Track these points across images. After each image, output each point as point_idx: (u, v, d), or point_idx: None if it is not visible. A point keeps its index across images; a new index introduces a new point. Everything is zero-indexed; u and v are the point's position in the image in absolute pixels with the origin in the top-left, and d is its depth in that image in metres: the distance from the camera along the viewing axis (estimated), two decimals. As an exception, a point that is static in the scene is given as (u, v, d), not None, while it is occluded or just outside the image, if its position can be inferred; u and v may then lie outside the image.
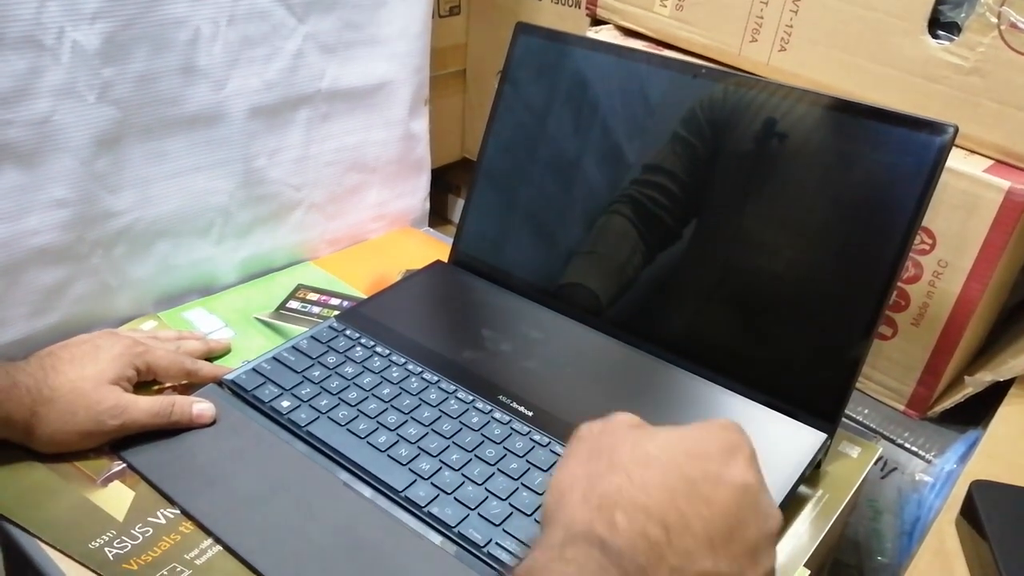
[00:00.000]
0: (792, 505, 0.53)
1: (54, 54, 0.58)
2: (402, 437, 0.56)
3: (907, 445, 0.66)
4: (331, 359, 0.63)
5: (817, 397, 0.57)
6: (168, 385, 0.61)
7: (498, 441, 0.56)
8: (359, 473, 0.54)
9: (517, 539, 0.49)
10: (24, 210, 0.61)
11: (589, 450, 0.38)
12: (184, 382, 0.61)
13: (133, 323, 0.70)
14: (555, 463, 0.54)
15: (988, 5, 0.58)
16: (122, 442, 0.55)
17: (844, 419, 0.58)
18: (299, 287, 0.77)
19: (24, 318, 0.63)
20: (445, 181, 1.17)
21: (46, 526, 0.50)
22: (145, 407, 0.55)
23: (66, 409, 0.53)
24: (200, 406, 0.57)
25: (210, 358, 0.65)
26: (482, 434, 0.56)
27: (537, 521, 0.50)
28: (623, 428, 0.39)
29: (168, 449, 0.55)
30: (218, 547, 0.49)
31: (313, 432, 0.56)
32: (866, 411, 0.69)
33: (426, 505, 0.51)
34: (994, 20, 0.58)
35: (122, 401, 0.55)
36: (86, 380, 0.54)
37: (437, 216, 1.16)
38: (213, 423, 0.57)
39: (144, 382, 0.59)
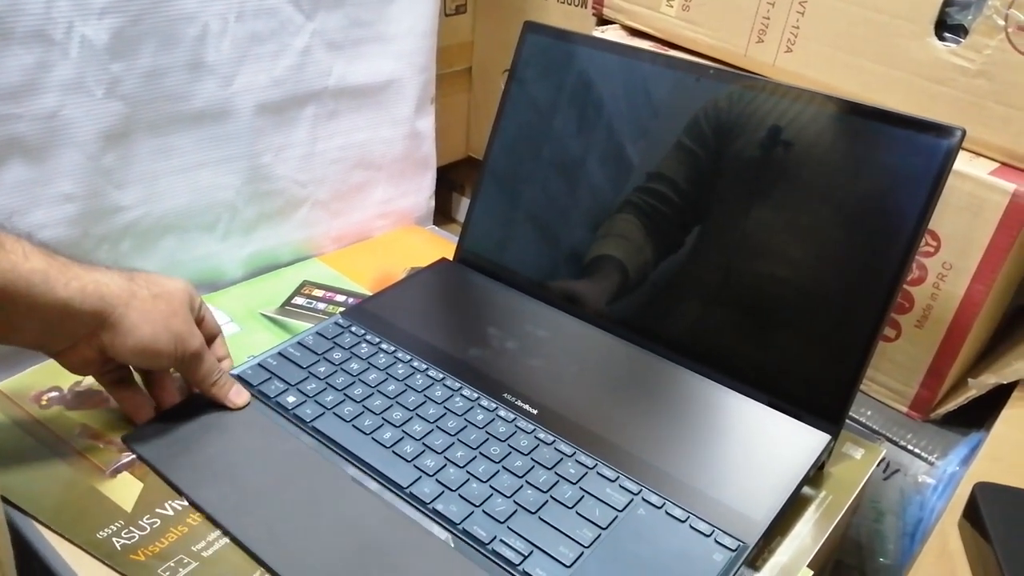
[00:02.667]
0: (796, 506, 0.53)
1: (63, 49, 0.58)
2: (407, 434, 0.56)
3: (910, 447, 0.66)
4: (336, 355, 0.63)
5: (821, 398, 0.57)
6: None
7: (503, 439, 0.56)
8: (365, 469, 0.54)
9: (521, 536, 0.49)
10: (31, 204, 0.61)
11: None
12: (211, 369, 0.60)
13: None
14: (560, 460, 0.54)
15: (995, 7, 0.58)
16: (131, 434, 0.56)
17: (848, 420, 0.58)
18: (304, 283, 0.77)
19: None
20: (449, 180, 1.17)
21: (54, 515, 0.50)
22: (208, 356, 0.56)
23: (165, 312, 0.52)
24: (239, 392, 0.58)
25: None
26: (487, 432, 0.56)
27: (542, 519, 0.50)
28: None
29: (177, 441, 0.55)
30: (225, 539, 0.49)
31: (319, 428, 0.56)
32: (869, 413, 0.69)
33: (431, 501, 0.51)
34: (1001, 23, 0.58)
35: (201, 336, 0.56)
36: (175, 297, 0.54)
37: (441, 215, 1.16)
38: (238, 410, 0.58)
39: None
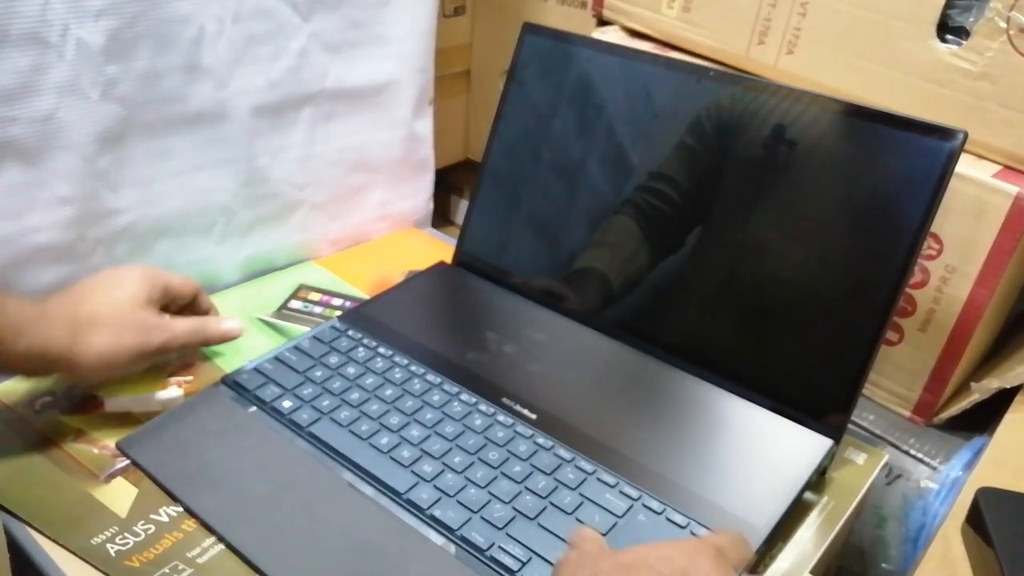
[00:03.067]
0: (797, 511, 0.53)
1: (58, 51, 0.58)
2: (404, 439, 0.56)
3: (913, 452, 0.65)
4: (333, 360, 0.62)
5: (823, 403, 0.56)
6: (167, 373, 0.62)
7: (501, 444, 0.55)
8: (362, 475, 0.53)
9: (519, 542, 0.49)
10: (26, 207, 0.60)
11: (573, 569, 0.42)
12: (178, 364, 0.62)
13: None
14: (559, 466, 0.54)
15: (997, 10, 0.58)
16: (126, 439, 0.55)
17: (850, 425, 0.57)
18: (301, 287, 0.76)
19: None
20: (448, 182, 1.17)
21: (49, 521, 0.50)
22: (183, 325, 0.58)
23: (113, 330, 0.54)
24: (229, 323, 0.61)
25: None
26: (485, 437, 0.56)
27: (541, 525, 0.50)
28: (597, 550, 0.44)
29: (172, 447, 0.55)
30: (220, 546, 0.49)
31: (315, 433, 0.56)
32: (872, 417, 0.68)
33: (429, 508, 0.51)
34: (1003, 25, 0.58)
35: (164, 320, 0.57)
36: (122, 303, 0.55)
37: (440, 217, 1.16)
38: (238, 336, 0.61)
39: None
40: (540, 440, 0.56)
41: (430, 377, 0.61)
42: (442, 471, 0.53)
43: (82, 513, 0.50)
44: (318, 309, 0.73)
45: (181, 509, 0.51)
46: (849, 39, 0.66)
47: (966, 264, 0.62)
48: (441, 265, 0.75)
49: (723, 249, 0.62)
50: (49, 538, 0.49)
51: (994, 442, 0.60)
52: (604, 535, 0.49)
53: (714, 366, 0.61)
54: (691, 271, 0.63)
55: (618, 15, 0.82)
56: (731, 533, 0.46)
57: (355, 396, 0.59)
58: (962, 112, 0.61)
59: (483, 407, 0.58)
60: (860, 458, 0.58)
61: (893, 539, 0.65)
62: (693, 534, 0.49)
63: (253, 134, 0.72)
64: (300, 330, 0.69)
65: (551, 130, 0.70)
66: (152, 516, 0.50)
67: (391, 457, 0.54)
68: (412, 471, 0.53)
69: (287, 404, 0.58)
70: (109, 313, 0.54)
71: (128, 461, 0.54)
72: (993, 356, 0.71)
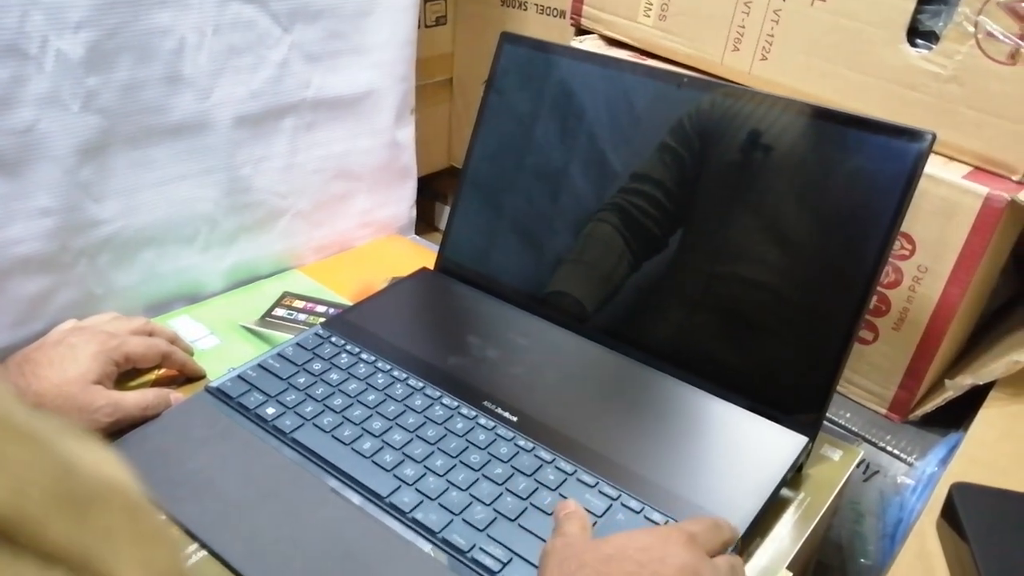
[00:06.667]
0: (774, 508, 0.54)
1: (38, 63, 0.58)
2: (387, 443, 0.56)
3: (889, 448, 0.66)
4: (316, 366, 0.63)
5: (798, 401, 0.57)
6: (154, 377, 0.62)
7: (482, 447, 0.56)
8: (344, 479, 0.54)
9: (501, 544, 0.49)
10: (7, 219, 0.61)
11: (560, 560, 0.44)
12: (162, 371, 0.63)
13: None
14: (539, 467, 0.54)
15: (965, 14, 0.59)
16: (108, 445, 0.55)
17: (826, 422, 0.58)
18: (285, 295, 0.77)
19: (8, 327, 0.63)
20: (432, 189, 1.18)
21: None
22: (134, 400, 0.57)
23: (57, 414, 0.53)
24: (178, 396, 0.60)
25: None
26: (467, 440, 0.56)
27: (522, 526, 0.50)
28: (581, 538, 0.46)
29: (154, 453, 0.55)
30: (204, 552, 0.49)
31: (298, 439, 0.56)
32: (848, 415, 0.69)
33: (410, 511, 0.51)
34: (971, 29, 0.59)
35: (112, 399, 0.56)
36: (71, 383, 0.55)
37: (425, 224, 1.17)
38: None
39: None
40: (521, 442, 0.56)
41: (412, 382, 0.61)
42: (424, 475, 0.54)
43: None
44: (302, 316, 0.74)
45: (164, 517, 0.51)
46: (821, 45, 0.67)
47: (938, 264, 0.63)
48: (424, 271, 0.76)
49: (699, 253, 0.63)
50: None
51: (968, 438, 0.61)
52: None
53: (691, 366, 0.62)
54: (669, 274, 0.64)
55: (596, 24, 0.83)
56: (707, 519, 0.48)
57: (338, 402, 0.59)
58: (932, 115, 0.62)
59: (465, 411, 0.59)
60: (836, 455, 0.59)
61: (871, 534, 0.66)
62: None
63: (235, 144, 0.72)
64: (284, 337, 0.69)
65: (530, 137, 0.71)
66: (135, 523, 0.51)
67: (373, 461, 0.55)
68: (394, 475, 0.54)
69: (270, 411, 0.59)
70: (58, 395, 0.54)
71: (111, 469, 0.54)
72: (967, 353, 0.72)
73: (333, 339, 0.66)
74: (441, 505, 0.52)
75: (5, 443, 0.18)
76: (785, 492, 0.55)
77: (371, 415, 0.58)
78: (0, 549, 0.17)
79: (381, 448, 0.56)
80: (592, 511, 0.51)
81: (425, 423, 0.58)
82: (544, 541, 0.49)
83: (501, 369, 0.64)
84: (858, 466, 0.59)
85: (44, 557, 0.17)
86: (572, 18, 0.86)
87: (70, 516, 0.19)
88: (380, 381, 0.61)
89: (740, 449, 0.57)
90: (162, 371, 0.63)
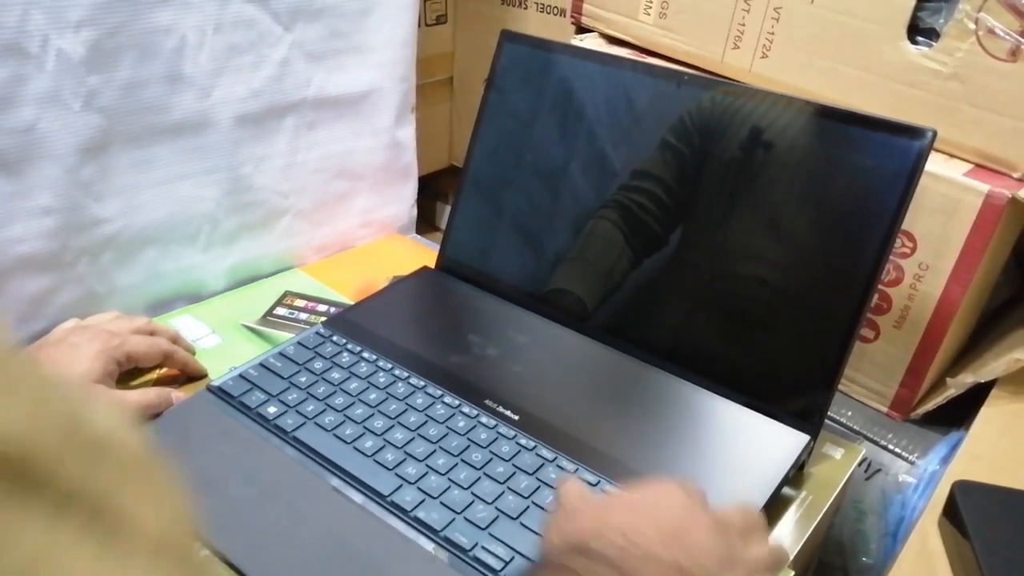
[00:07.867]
0: (776, 506, 0.54)
1: (39, 62, 0.58)
2: (388, 442, 0.56)
3: (890, 446, 0.66)
4: (318, 365, 0.63)
5: (799, 399, 0.57)
6: (155, 376, 0.62)
7: (484, 445, 0.56)
8: (346, 478, 0.54)
9: (503, 542, 0.49)
10: (8, 218, 0.61)
11: (562, 517, 0.44)
12: (164, 369, 0.63)
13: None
14: (541, 466, 0.54)
15: (966, 11, 0.59)
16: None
17: (828, 421, 0.58)
18: (286, 294, 0.77)
19: (9, 327, 0.63)
20: (433, 188, 1.18)
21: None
22: (135, 400, 0.57)
23: None
24: (179, 395, 0.60)
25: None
26: (468, 438, 0.56)
27: (523, 524, 0.50)
28: (578, 504, 0.45)
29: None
30: (206, 552, 0.49)
31: (299, 437, 0.56)
32: (850, 413, 0.69)
33: (412, 510, 0.51)
34: (972, 26, 0.59)
35: (114, 398, 0.56)
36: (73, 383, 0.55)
37: (426, 223, 1.17)
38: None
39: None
40: (522, 441, 0.56)
41: (414, 380, 0.61)
42: (426, 473, 0.54)
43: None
44: (303, 315, 0.74)
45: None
46: (821, 42, 0.67)
47: (940, 261, 0.63)
48: (424, 270, 0.76)
49: (701, 249, 0.63)
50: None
51: (970, 436, 0.61)
52: None
53: (692, 364, 0.62)
54: (670, 271, 0.64)
55: (596, 22, 0.83)
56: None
57: (339, 401, 0.59)
58: (933, 112, 0.62)
59: (466, 409, 0.59)
60: (838, 453, 0.59)
61: (873, 533, 0.66)
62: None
63: (236, 143, 0.72)
64: (285, 337, 0.69)
65: (531, 135, 0.71)
66: (137, 522, 0.51)
67: (375, 460, 0.55)
68: (396, 474, 0.54)
69: (272, 410, 0.59)
70: None
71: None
72: (968, 352, 0.72)
73: (334, 338, 0.66)
74: (443, 504, 0.52)
75: (21, 382, 0.17)
76: (787, 490, 0.55)
77: (372, 414, 0.58)
78: (16, 486, 0.16)
79: (383, 447, 0.56)
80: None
81: (426, 422, 0.58)
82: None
83: (502, 367, 0.64)
84: (860, 464, 0.59)
85: (59, 498, 0.17)
86: (572, 16, 0.86)
87: (85, 458, 0.18)
88: (381, 380, 0.61)
89: (742, 447, 0.57)
90: (164, 370, 0.63)
